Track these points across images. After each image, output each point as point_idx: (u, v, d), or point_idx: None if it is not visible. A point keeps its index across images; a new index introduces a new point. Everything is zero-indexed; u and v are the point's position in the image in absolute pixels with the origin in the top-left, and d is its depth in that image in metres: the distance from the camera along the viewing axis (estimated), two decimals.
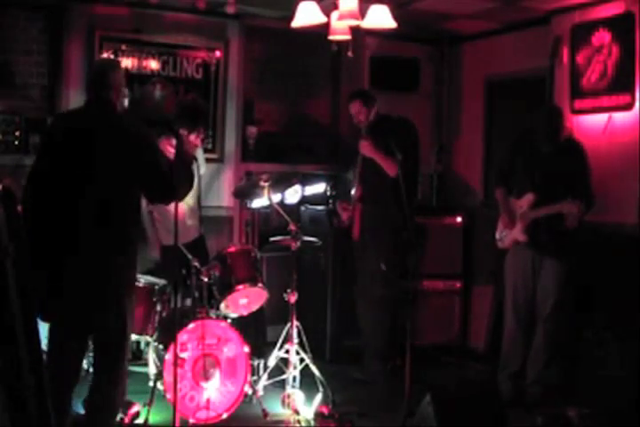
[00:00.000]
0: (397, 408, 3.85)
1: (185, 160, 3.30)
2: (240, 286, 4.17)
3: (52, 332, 3.17)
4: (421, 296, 5.47)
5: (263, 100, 5.96)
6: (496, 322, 5.00)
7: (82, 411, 3.47)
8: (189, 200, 4.50)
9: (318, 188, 5.66)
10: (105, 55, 5.18)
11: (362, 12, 3.58)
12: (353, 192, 4.84)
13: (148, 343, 4.32)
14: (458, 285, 5.65)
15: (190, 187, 3.35)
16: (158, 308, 4.24)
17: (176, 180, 3.17)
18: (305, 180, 5.61)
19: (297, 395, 4.15)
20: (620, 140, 4.73)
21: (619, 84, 4.71)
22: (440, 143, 6.36)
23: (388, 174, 4.53)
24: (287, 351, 4.27)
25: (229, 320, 4.25)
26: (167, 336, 3.90)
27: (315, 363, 4.32)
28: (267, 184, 4.34)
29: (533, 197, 4.25)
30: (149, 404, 3.88)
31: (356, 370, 5.00)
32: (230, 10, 5.39)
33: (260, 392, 4.23)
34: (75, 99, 5.12)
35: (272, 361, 4.35)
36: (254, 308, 4.37)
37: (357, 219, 4.77)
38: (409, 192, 4.28)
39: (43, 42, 5.11)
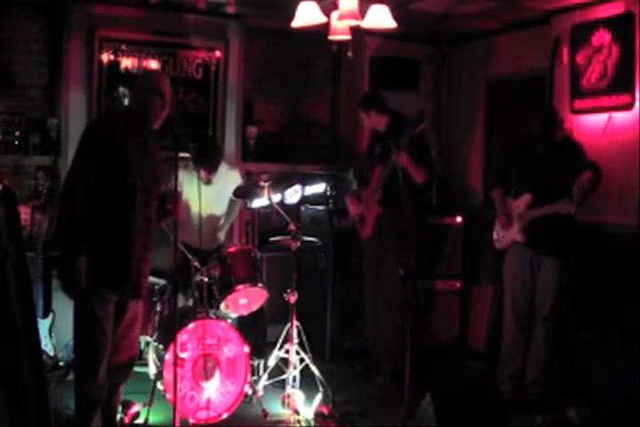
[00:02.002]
0: (397, 408, 3.85)
1: None
2: (240, 286, 4.17)
3: None
4: (423, 296, 5.48)
5: (263, 100, 5.96)
6: (496, 322, 5.00)
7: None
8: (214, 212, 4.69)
9: (318, 188, 5.66)
10: (105, 55, 5.18)
11: (362, 12, 3.57)
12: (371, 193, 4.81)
13: (148, 343, 4.32)
14: (458, 285, 5.65)
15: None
16: (158, 308, 4.24)
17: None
18: (305, 180, 5.61)
19: (297, 395, 4.14)
20: (620, 140, 4.73)
21: (619, 84, 4.71)
22: (440, 143, 6.37)
23: (416, 181, 4.55)
24: (287, 351, 4.27)
25: (229, 320, 4.25)
26: (167, 336, 3.90)
27: (315, 363, 4.32)
28: (267, 184, 4.34)
29: (531, 197, 4.25)
30: (149, 404, 3.89)
31: (357, 365, 5.03)
32: (230, 10, 5.39)
33: (260, 392, 4.23)
34: (75, 99, 5.14)
35: (272, 361, 4.35)
36: (254, 308, 4.37)
37: (372, 220, 4.75)
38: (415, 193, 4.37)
39: (43, 42, 5.12)
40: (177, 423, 3.38)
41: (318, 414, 4.04)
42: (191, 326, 3.90)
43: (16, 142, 5.01)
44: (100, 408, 3.43)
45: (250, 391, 4.17)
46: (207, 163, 4.58)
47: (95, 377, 3.35)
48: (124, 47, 5.25)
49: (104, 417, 3.47)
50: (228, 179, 4.82)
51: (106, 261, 3.33)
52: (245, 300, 4.26)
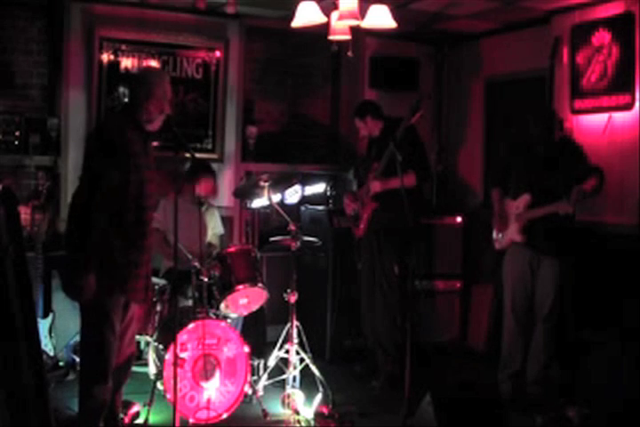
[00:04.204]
0: (397, 408, 3.85)
1: None
2: (240, 286, 4.17)
3: None
4: (422, 296, 5.49)
5: (263, 100, 5.97)
6: (496, 322, 5.00)
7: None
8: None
9: (318, 188, 5.66)
10: (105, 55, 5.19)
11: (362, 12, 3.57)
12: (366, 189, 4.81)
13: (148, 343, 4.32)
14: (458, 285, 5.65)
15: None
16: (158, 308, 4.24)
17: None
18: (305, 180, 5.62)
19: (297, 395, 4.15)
20: (620, 140, 4.73)
21: (619, 84, 4.72)
22: (440, 143, 6.37)
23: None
24: (287, 351, 4.27)
25: (229, 320, 4.26)
26: (167, 336, 3.90)
27: (315, 363, 4.32)
28: (267, 184, 4.34)
29: (529, 197, 4.26)
30: (149, 404, 3.89)
31: (357, 365, 5.04)
32: (230, 10, 5.39)
33: (260, 392, 4.23)
34: (75, 99, 5.14)
35: (272, 361, 4.35)
36: (254, 308, 4.37)
37: (366, 218, 4.75)
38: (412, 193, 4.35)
39: (43, 42, 5.13)
40: (177, 423, 3.38)
41: (318, 415, 4.04)
42: (191, 326, 3.89)
43: (16, 142, 5.02)
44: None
45: (250, 391, 4.17)
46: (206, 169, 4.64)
47: (106, 379, 3.31)
48: (124, 47, 5.25)
49: (106, 417, 3.45)
50: (211, 213, 4.92)
51: (120, 266, 3.30)
52: (245, 300, 4.26)
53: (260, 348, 4.82)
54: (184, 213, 4.39)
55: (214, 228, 4.94)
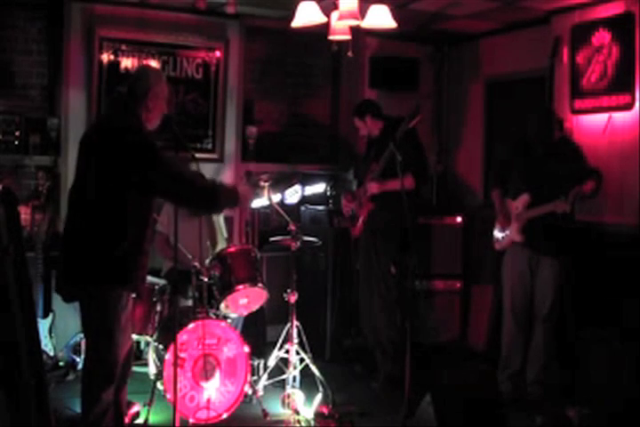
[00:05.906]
0: (397, 408, 3.85)
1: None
2: (240, 286, 4.17)
3: None
4: (422, 296, 5.49)
5: (263, 100, 5.97)
6: (496, 322, 4.99)
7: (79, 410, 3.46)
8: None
9: (318, 188, 5.66)
10: (105, 55, 5.19)
11: (362, 12, 3.57)
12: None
13: (148, 343, 4.32)
14: (458, 285, 5.65)
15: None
16: (158, 308, 4.24)
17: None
18: (305, 180, 5.62)
19: (297, 395, 4.15)
20: (620, 140, 4.73)
21: (619, 84, 4.72)
22: (440, 144, 6.37)
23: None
24: (287, 351, 4.27)
25: (229, 320, 4.26)
26: (167, 336, 3.90)
27: (315, 363, 4.32)
28: (267, 184, 4.34)
29: (528, 197, 4.26)
30: (149, 404, 3.89)
31: (357, 365, 5.05)
32: (230, 10, 5.39)
33: (260, 392, 4.23)
34: (75, 99, 5.14)
35: (272, 361, 4.35)
36: (254, 308, 4.37)
37: (364, 218, 4.75)
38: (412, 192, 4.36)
39: (43, 42, 5.13)
40: (177, 423, 3.38)
41: (318, 415, 4.04)
42: (191, 326, 3.90)
43: (16, 142, 5.02)
44: None
45: (250, 391, 4.17)
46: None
47: (113, 380, 3.26)
48: (124, 47, 5.25)
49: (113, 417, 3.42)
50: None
51: (133, 269, 3.29)
52: (245, 300, 4.26)
53: (260, 348, 4.82)
54: (188, 217, 4.41)
55: (222, 228, 4.93)
